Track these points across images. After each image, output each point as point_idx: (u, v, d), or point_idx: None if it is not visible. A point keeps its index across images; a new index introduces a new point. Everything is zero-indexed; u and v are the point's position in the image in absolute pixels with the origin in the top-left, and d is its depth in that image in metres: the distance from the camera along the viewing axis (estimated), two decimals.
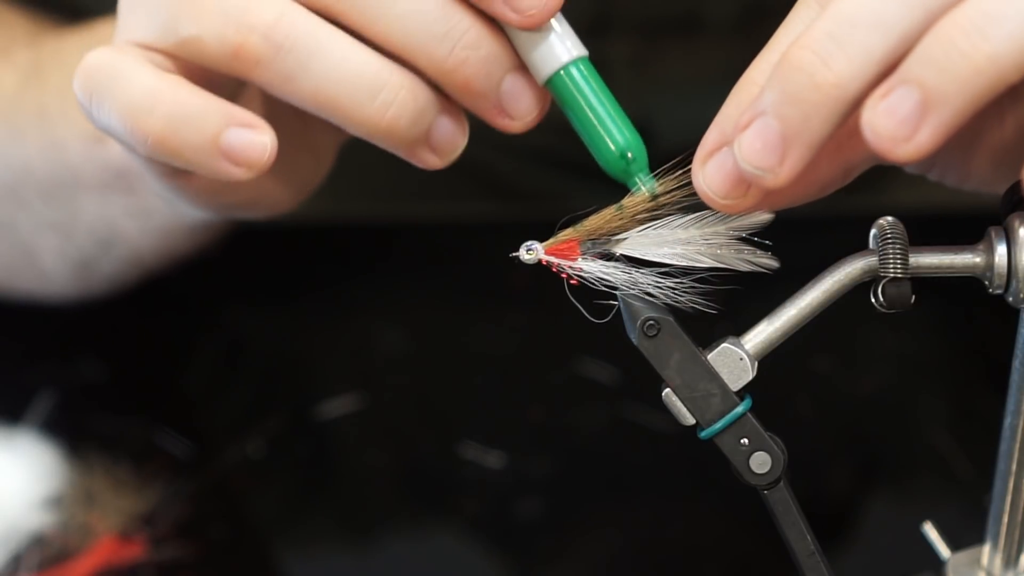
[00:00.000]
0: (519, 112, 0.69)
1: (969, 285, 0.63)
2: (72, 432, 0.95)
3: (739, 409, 0.62)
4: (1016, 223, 0.60)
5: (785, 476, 0.63)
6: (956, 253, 0.61)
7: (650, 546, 0.89)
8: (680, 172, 0.63)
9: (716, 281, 0.63)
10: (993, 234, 0.61)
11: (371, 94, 0.67)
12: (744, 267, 0.63)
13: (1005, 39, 0.55)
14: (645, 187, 0.65)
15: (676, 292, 0.63)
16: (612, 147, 0.65)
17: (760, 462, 0.62)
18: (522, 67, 0.68)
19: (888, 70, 0.57)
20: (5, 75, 0.94)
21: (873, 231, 0.62)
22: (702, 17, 1.10)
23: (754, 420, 0.62)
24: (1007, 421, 0.66)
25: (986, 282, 0.62)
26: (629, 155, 0.65)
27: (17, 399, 0.97)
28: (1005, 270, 0.61)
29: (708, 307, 0.63)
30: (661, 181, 0.64)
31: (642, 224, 0.64)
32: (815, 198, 0.64)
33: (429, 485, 0.94)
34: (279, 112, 0.73)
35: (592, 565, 0.88)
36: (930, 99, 0.55)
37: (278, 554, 0.91)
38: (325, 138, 0.79)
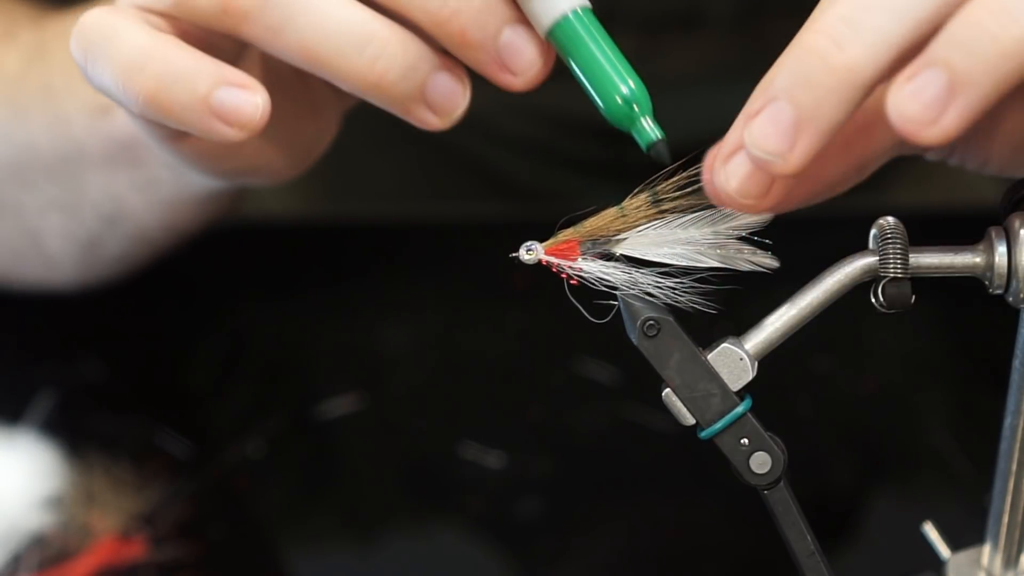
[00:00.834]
0: (520, 66, 0.68)
1: (969, 285, 0.63)
2: (72, 432, 0.95)
3: (739, 409, 0.62)
4: (1016, 223, 0.60)
5: (785, 476, 0.63)
6: (956, 253, 0.61)
7: (650, 546, 0.89)
8: (681, 173, 0.63)
9: (716, 281, 0.63)
10: (993, 234, 0.61)
11: (359, 47, 0.66)
12: (744, 267, 0.63)
13: None
14: (651, 132, 0.64)
15: (676, 292, 0.63)
16: (618, 97, 0.64)
17: (760, 462, 0.62)
18: (523, 20, 0.67)
19: (904, 56, 0.56)
20: (9, 56, 0.95)
21: (873, 231, 0.62)
22: (704, 13, 1.10)
23: (754, 420, 0.62)
24: (1007, 421, 0.66)
25: (986, 282, 0.62)
26: (635, 106, 0.65)
27: (17, 399, 0.97)
28: (1005, 270, 0.61)
29: (708, 307, 0.63)
30: (664, 168, 0.64)
31: (642, 224, 0.64)
32: (829, 196, 0.63)
33: (429, 485, 0.93)
34: (280, 77, 0.73)
35: (592, 565, 0.88)
36: (957, 82, 0.54)
37: (278, 554, 0.91)
38: (328, 104, 0.79)
